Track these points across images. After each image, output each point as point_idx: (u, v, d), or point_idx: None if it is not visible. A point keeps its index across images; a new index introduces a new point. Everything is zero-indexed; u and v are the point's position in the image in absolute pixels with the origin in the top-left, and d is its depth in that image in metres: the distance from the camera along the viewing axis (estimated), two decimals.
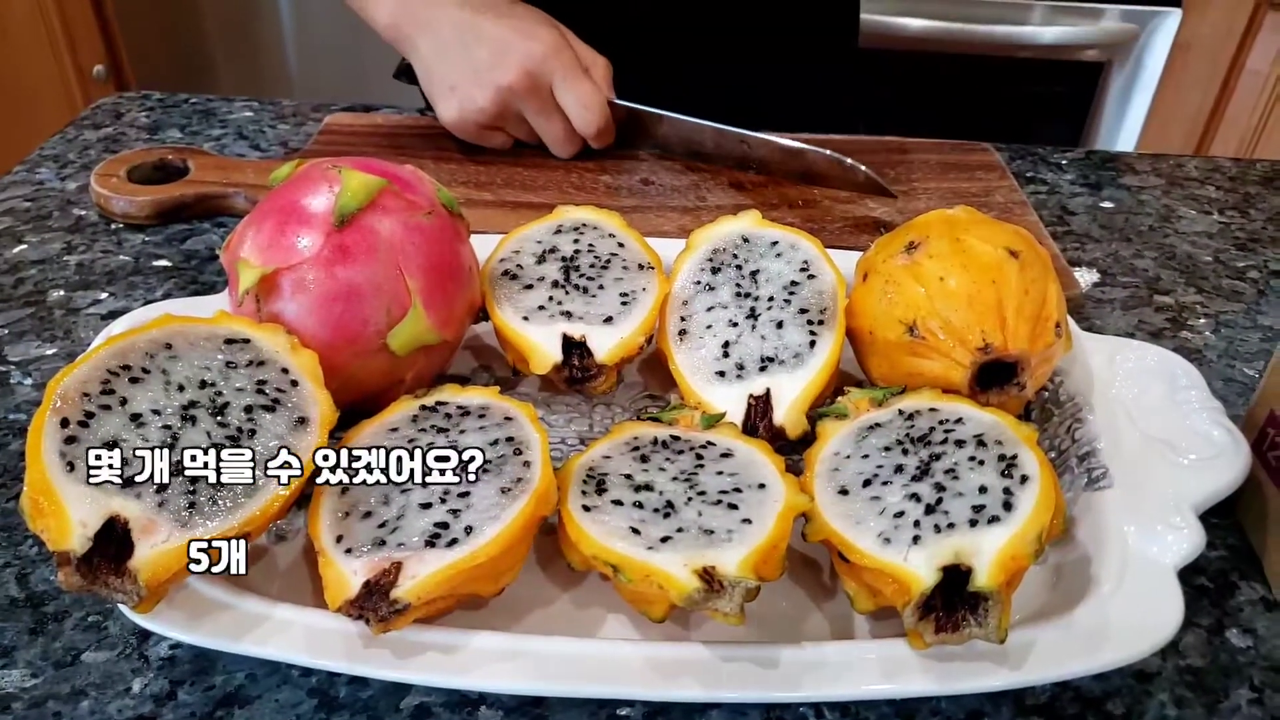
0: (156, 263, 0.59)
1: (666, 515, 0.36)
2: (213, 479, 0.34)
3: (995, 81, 1.65)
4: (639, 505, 0.36)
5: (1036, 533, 0.34)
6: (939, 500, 0.36)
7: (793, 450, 0.42)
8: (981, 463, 0.37)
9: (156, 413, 0.35)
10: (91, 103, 0.79)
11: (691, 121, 0.68)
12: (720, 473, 0.38)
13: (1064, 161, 0.77)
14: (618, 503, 0.36)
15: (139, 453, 0.33)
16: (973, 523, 0.34)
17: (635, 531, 0.35)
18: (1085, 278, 0.62)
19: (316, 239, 0.40)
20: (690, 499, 0.37)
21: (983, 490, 0.35)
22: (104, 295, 0.56)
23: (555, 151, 0.69)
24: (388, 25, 0.68)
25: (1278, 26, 1.59)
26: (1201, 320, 0.59)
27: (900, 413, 0.40)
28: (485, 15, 0.65)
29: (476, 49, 0.65)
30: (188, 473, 0.34)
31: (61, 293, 0.56)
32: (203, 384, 0.37)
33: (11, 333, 0.53)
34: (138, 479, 0.33)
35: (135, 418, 0.35)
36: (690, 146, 0.70)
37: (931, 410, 0.40)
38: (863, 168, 0.64)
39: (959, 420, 0.39)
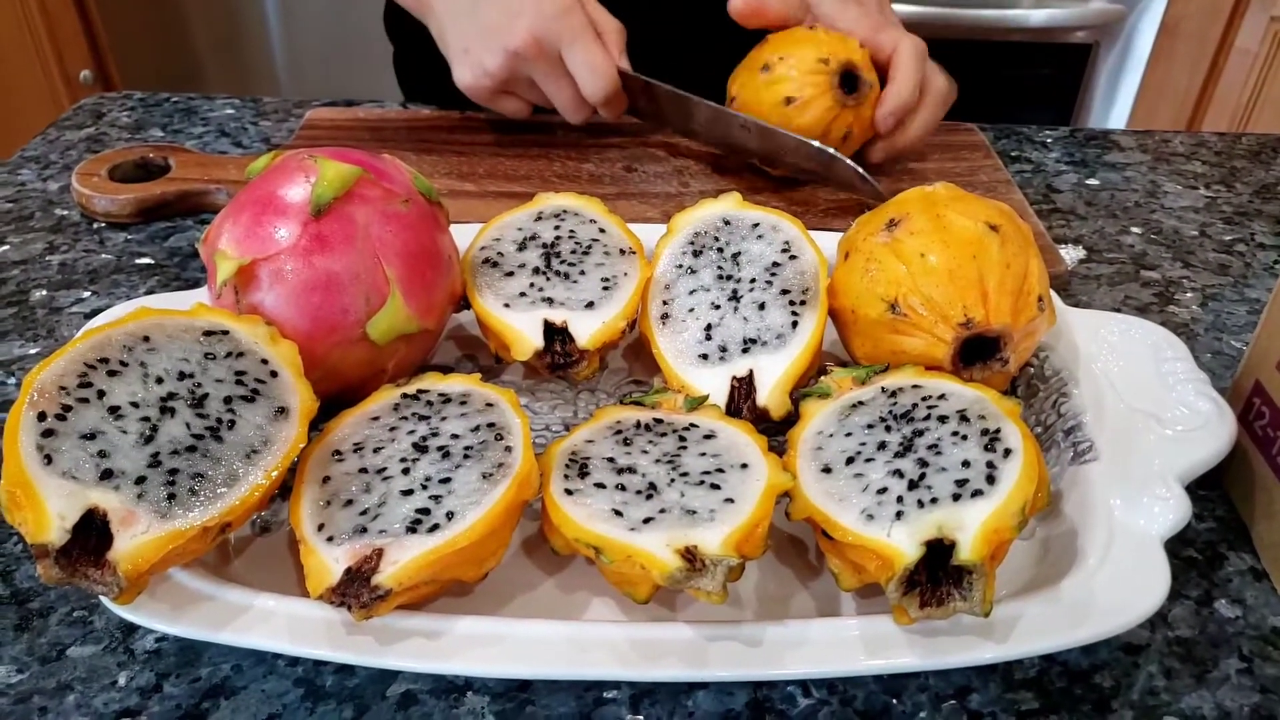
0: (139, 261, 0.59)
1: (649, 497, 0.36)
2: (192, 470, 0.34)
3: (984, 66, 1.65)
4: (621, 488, 0.36)
5: (1020, 505, 0.34)
6: (922, 476, 0.35)
7: (777, 431, 0.42)
8: (964, 437, 0.37)
9: (135, 405, 0.35)
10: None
11: (704, 104, 0.66)
12: (703, 454, 0.38)
13: (1049, 140, 0.77)
14: (600, 486, 0.36)
15: (117, 444, 0.33)
16: (955, 497, 0.34)
17: (617, 513, 0.35)
18: (1071, 255, 0.62)
19: (293, 229, 0.40)
20: (673, 480, 0.36)
21: (965, 464, 0.35)
22: (87, 294, 0.56)
23: (566, 117, 0.67)
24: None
25: (1264, 4, 1.59)
26: (1189, 294, 0.59)
27: (883, 390, 0.40)
28: None
29: (487, 10, 0.63)
30: (166, 464, 0.34)
31: (44, 292, 0.56)
32: (181, 376, 0.37)
33: None
34: (116, 470, 0.33)
35: (113, 410, 0.34)
36: (703, 127, 0.68)
37: (914, 387, 0.40)
38: (874, 183, 0.62)
39: (942, 396, 0.39)
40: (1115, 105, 1.69)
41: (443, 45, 0.67)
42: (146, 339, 0.37)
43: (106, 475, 0.32)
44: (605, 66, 0.64)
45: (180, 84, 1.85)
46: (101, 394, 0.35)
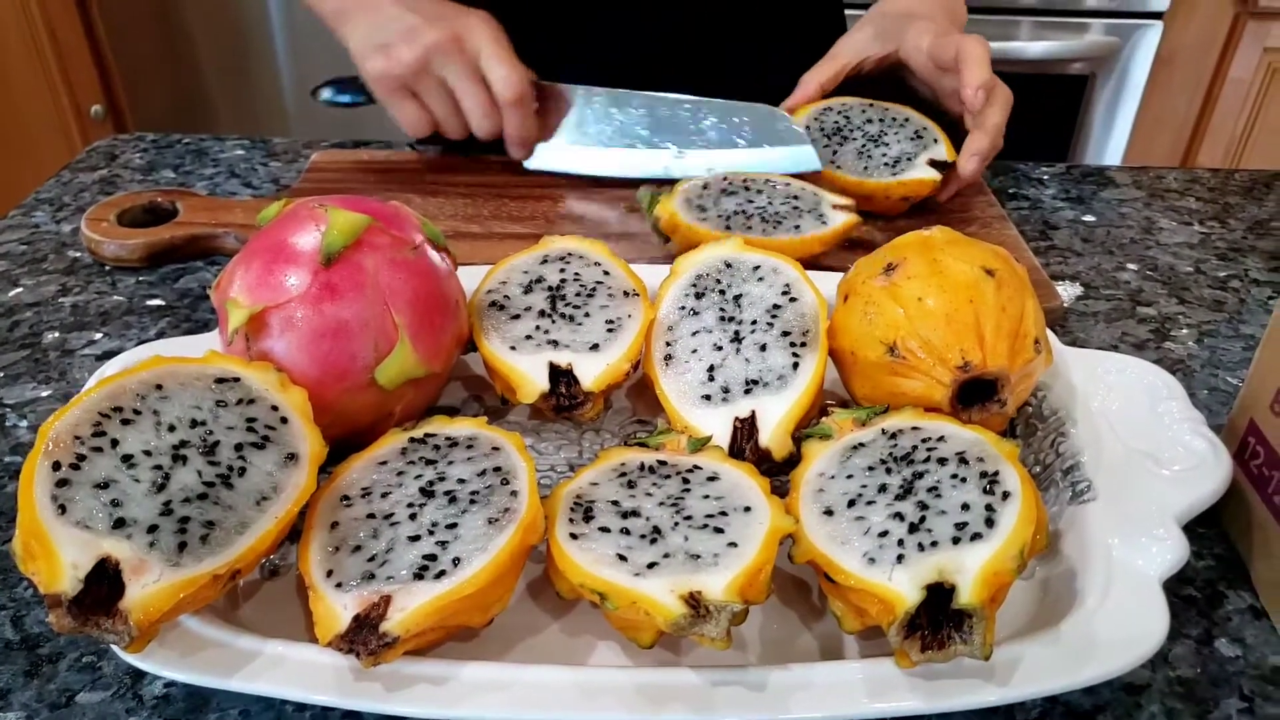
0: (150, 302, 0.60)
1: (653, 541, 0.36)
2: (203, 518, 0.34)
3: None
4: (626, 532, 0.37)
5: (1018, 549, 0.34)
6: (922, 519, 0.36)
7: (780, 471, 0.42)
8: (963, 480, 0.37)
9: (147, 453, 0.36)
10: (89, 142, 0.80)
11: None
12: (706, 496, 0.38)
13: (1045, 176, 0.78)
14: (604, 530, 0.37)
15: (130, 493, 0.34)
16: (955, 540, 0.35)
17: (622, 558, 0.35)
18: (1068, 291, 0.63)
19: (304, 277, 0.41)
20: (677, 524, 0.37)
21: (965, 507, 0.36)
22: (98, 336, 0.57)
23: (473, 124, 0.69)
24: (334, 9, 0.70)
25: (1257, 35, 1.61)
26: (1184, 331, 0.59)
27: (883, 432, 0.41)
28: (424, 4, 0.68)
29: (412, 17, 0.67)
30: (178, 512, 0.34)
31: (56, 335, 0.57)
32: (193, 423, 0.37)
33: (7, 376, 0.54)
34: (128, 520, 0.33)
35: (126, 459, 0.35)
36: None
37: (914, 429, 0.41)
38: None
39: (941, 438, 0.40)
40: (1113, 135, 1.71)
41: (361, 49, 0.68)
42: (159, 387, 0.38)
43: (119, 524, 0.33)
44: (521, 72, 0.67)
45: (190, 117, 1.87)
46: (115, 443, 0.35)
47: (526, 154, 0.72)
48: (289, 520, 0.36)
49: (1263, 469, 0.42)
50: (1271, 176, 0.78)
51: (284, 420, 0.39)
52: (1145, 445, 0.42)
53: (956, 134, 0.67)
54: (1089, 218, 0.72)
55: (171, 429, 0.37)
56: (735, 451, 0.43)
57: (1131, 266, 0.66)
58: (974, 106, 0.64)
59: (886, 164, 0.66)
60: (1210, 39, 1.63)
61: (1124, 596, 0.37)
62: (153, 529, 0.33)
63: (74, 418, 0.35)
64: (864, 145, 0.68)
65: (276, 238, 0.42)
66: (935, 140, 0.67)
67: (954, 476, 0.37)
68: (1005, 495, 0.36)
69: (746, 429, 0.43)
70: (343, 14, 0.69)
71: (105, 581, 0.32)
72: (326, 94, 0.74)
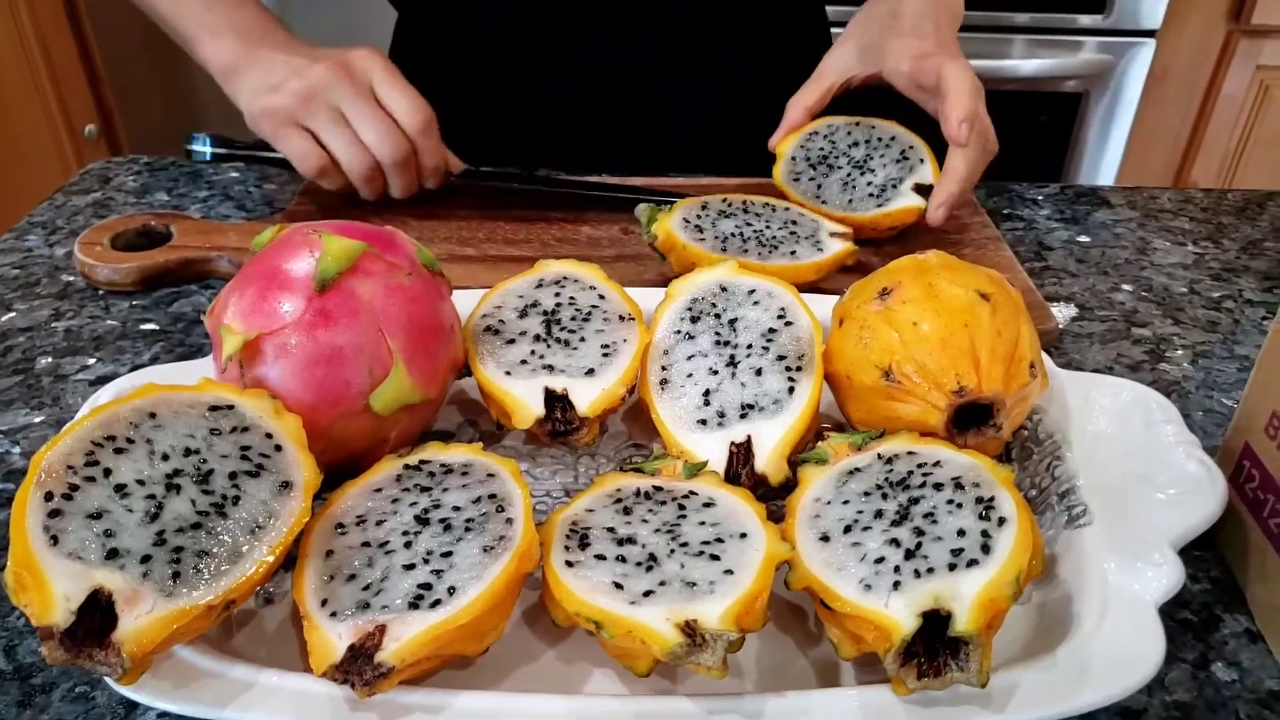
0: (144, 326, 0.60)
1: (649, 568, 0.36)
2: (196, 547, 0.34)
3: None
4: (621, 559, 0.37)
5: (1015, 575, 0.34)
6: (918, 545, 0.36)
7: (775, 496, 0.42)
8: (959, 506, 0.37)
9: (141, 482, 0.35)
10: (83, 162, 0.80)
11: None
12: (702, 523, 0.38)
13: (1040, 197, 0.78)
14: (600, 557, 0.37)
15: (123, 523, 0.34)
16: (951, 567, 0.35)
17: (618, 586, 0.35)
18: (1063, 312, 0.63)
19: (298, 304, 0.41)
20: (673, 551, 0.37)
21: (961, 533, 0.36)
22: (92, 361, 0.57)
23: (378, 151, 0.66)
24: (225, 65, 0.69)
25: (1250, 52, 1.62)
26: (1179, 352, 0.59)
27: (879, 457, 0.41)
28: (310, 49, 0.68)
29: (299, 59, 0.66)
30: (171, 542, 0.34)
31: (50, 359, 0.57)
32: (187, 452, 0.37)
33: (0, 402, 0.53)
34: (121, 550, 0.33)
35: (119, 488, 0.35)
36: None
37: (910, 454, 0.41)
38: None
39: (937, 463, 0.40)
40: (1106, 152, 1.72)
41: (250, 96, 0.67)
42: (153, 415, 0.38)
43: (112, 555, 0.33)
44: (419, 98, 0.66)
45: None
46: (108, 472, 0.35)
47: (439, 184, 0.70)
48: (284, 549, 0.36)
49: (1258, 492, 0.42)
50: (1264, 196, 0.79)
51: (278, 448, 0.39)
52: (1141, 468, 0.42)
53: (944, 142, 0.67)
54: (1084, 238, 0.72)
55: (165, 458, 0.37)
56: (731, 476, 0.43)
57: (1126, 287, 0.66)
58: (959, 141, 0.64)
59: (872, 194, 0.66)
60: (1203, 56, 1.65)
61: (1120, 621, 0.36)
62: (146, 559, 0.33)
63: (66, 447, 0.35)
64: (849, 174, 0.68)
65: (271, 264, 0.42)
66: (922, 160, 0.67)
67: (950, 502, 0.37)
68: (1001, 521, 0.36)
69: (742, 454, 0.43)
70: (233, 71, 0.68)
71: (98, 613, 0.32)
72: (198, 144, 0.73)
